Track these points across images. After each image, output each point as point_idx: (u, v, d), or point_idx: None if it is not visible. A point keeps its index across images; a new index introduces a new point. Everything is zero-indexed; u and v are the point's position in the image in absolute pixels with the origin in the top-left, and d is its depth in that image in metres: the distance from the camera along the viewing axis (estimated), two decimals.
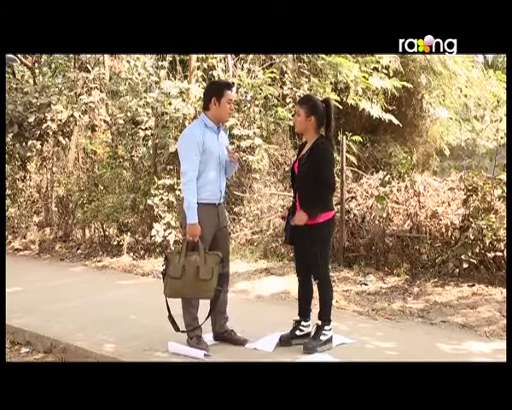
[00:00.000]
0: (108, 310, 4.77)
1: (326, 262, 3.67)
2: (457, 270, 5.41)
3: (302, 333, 3.72)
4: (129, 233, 7.37)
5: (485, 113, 10.76)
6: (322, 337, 3.60)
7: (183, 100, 6.92)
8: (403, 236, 5.99)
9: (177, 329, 3.58)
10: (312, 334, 3.67)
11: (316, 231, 3.51)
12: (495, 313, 4.39)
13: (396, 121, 9.34)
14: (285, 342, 3.71)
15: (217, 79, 7.51)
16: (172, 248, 6.95)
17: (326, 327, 3.62)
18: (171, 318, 3.57)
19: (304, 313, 3.75)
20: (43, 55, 11.75)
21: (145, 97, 7.28)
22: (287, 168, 8.03)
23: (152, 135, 7.36)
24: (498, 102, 7.03)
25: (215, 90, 3.58)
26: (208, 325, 3.73)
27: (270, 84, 7.61)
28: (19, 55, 11.29)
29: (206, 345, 3.60)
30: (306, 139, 3.69)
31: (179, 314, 3.61)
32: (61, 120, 8.67)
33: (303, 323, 3.73)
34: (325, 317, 3.63)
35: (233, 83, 3.88)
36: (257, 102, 7.48)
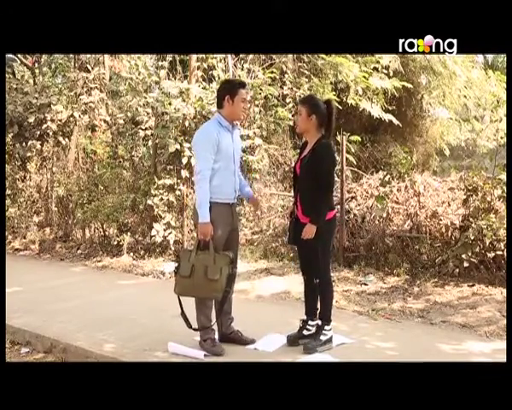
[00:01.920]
0: (108, 310, 4.77)
1: (327, 261, 3.66)
2: (457, 270, 5.41)
3: (309, 333, 3.71)
4: (129, 233, 7.37)
5: (484, 113, 10.76)
6: (322, 337, 3.60)
7: (183, 100, 6.92)
8: (403, 236, 6.00)
9: (189, 326, 3.56)
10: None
11: (317, 230, 3.50)
12: (495, 313, 4.40)
13: (396, 121, 9.36)
14: (292, 341, 3.71)
15: (218, 78, 7.50)
16: (173, 249, 6.96)
17: (326, 327, 3.62)
18: (183, 315, 3.55)
19: (310, 312, 3.74)
20: (43, 55, 11.75)
21: (145, 97, 7.28)
22: (287, 168, 8.04)
23: (152, 135, 7.36)
24: (498, 102, 7.03)
25: (229, 89, 3.58)
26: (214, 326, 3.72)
27: (270, 85, 7.61)
28: (19, 55, 11.29)
29: (222, 348, 3.57)
30: (307, 139, 3.67)
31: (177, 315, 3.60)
32: (60, 121, 8.67)
33: (310, 322, 3.73)
34: (325, 317, 3.63)
35: (245, 82, 3.86)
36: (257, 102, 7.48)
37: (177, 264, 3.55)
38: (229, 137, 3.59)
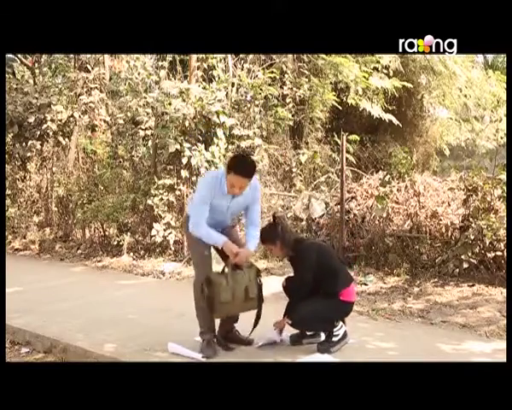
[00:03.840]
0: (108, 310, 4.77)
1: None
2: (457, 270, 5.41)
3: (312, 332, 3.72)
4: (129, 233, 7.37)
5: (484, 113, 10.77)
6: (334, 339, 3.60)
7: (183, 100, 6.92)
8: (403, 236, 5.99)
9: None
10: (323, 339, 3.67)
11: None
12: (495, 313, 4.40)
13: (396, 121, 9.37)
14: (295, 341, 3.72)
15: (218, 78, 7.50)
16: (173, 249, 6.95)
17: (334, 329, 3.61)
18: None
19: None
20: (43, 55, 11.76)
21: (145, 97, 7.28)
22: (287, 168, 8.05)
23: (152, 135, 7.36)
24: (498, 102, 7.04)
25: (227, 165, 3.45)
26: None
27: (270, 85, 7.62)
28: (19, 55, 11.30)
29: (214, 350, 3.55)
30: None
31: (181, 314, 3.60)
32: (60, 121, 8.68)
33: None
34: (328, 329, 3.63)
35: (251, 170, 3.53)
36: (257, 102, 7.48)
37: (206, 289, 3.35)
38: (228, 198, 3.47)
